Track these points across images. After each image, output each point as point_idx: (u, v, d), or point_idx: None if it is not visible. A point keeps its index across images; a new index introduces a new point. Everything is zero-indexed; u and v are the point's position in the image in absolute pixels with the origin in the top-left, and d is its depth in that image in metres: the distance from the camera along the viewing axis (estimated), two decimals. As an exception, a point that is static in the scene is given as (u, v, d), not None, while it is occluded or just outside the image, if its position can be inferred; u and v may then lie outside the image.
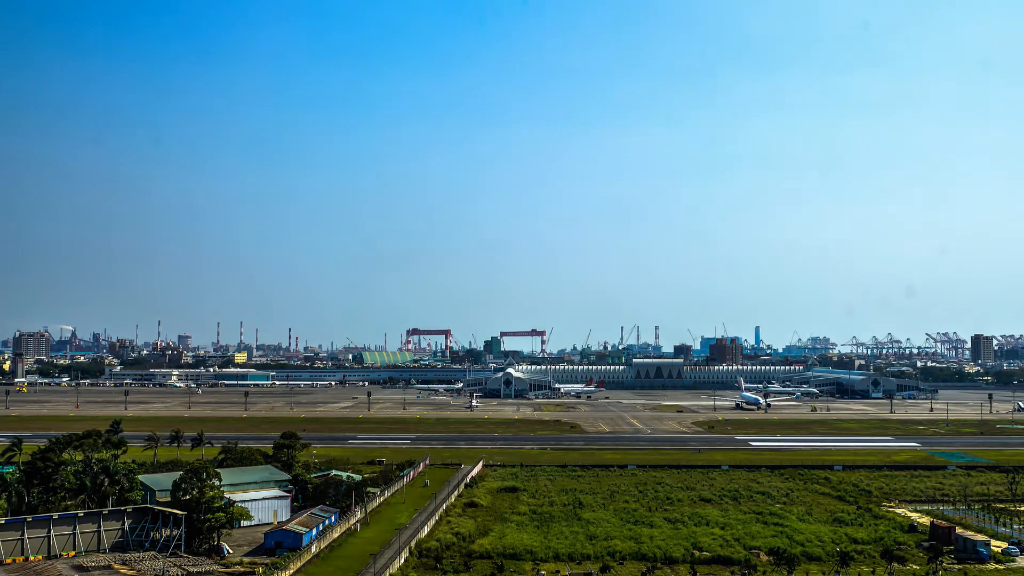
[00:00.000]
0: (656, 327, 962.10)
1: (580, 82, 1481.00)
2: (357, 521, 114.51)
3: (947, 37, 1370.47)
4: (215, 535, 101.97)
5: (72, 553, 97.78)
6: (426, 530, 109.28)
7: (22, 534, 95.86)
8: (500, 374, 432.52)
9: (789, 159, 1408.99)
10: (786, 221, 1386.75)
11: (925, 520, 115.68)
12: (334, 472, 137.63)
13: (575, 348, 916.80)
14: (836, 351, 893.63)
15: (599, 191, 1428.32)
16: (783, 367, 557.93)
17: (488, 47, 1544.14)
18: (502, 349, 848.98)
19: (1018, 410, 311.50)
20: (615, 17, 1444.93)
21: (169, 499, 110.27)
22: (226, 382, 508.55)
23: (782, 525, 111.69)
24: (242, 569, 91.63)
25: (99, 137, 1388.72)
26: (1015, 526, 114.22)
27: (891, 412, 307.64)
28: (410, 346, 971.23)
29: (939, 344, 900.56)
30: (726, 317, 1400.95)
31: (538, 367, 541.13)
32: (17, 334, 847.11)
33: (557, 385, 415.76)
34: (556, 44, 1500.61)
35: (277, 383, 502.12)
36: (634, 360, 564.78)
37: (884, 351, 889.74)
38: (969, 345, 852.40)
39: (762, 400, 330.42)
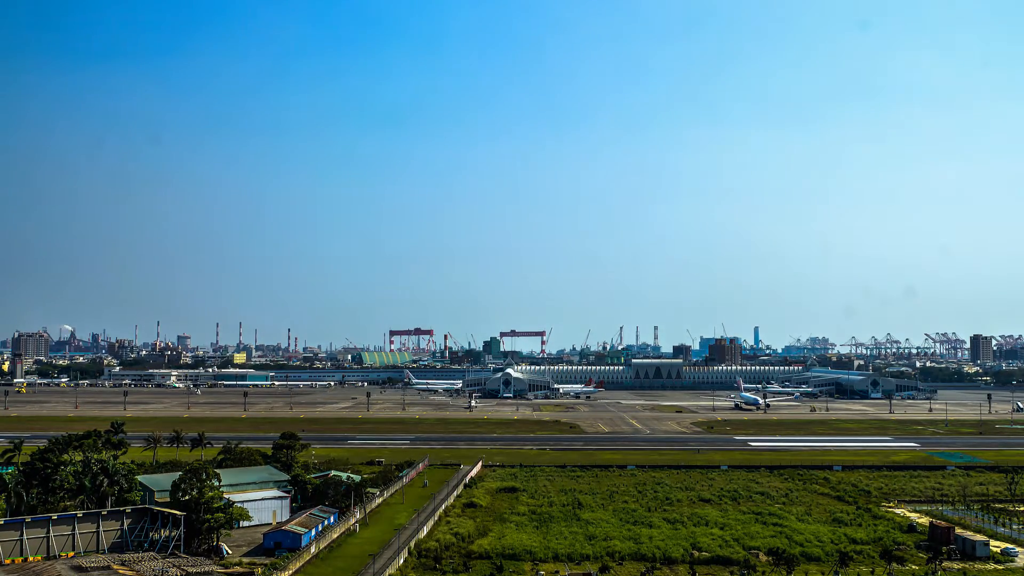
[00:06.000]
0: (655, 327, 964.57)
1: (581, 85, 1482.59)
2: (356, 521, 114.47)
3: (946, 34, 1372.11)
4: (214, 535, 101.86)
5: (71, 554, 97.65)
6: (425, 530, 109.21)
7: (21, 534, 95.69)
8: (499, 374, 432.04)
9: (788, 159, 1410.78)
10: (785, 221, 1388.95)
11: (924, 520, 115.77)
12: (333, 472, 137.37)
13: (574, 348, 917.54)
14: (835, 351, 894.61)
15: (597, 191, 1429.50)
16: (782, 367, 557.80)
17: (485, 48, 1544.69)
18: (501, 349, 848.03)
19: (1017, 410, 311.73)
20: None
21: (168, 499, 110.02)
22: (225, 382, 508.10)
23: (781, 525, 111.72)
24: (241, 569, 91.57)
25: (98, 137, 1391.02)
26: (1014, 526, 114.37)
27: (890, 412, 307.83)
28: (394, 346, 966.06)
29: (938, 344, 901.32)
30: (725, 317, 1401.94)
31: (537, 367, 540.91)
32: (16, 334, 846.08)
33: (556, 385, 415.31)
34: (556, 45, 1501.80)
35: (276, 383, 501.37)
36: (633, 360, 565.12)
37: (883, 351, 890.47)
38: (968, 345, 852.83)
39: (761, 400, 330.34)
